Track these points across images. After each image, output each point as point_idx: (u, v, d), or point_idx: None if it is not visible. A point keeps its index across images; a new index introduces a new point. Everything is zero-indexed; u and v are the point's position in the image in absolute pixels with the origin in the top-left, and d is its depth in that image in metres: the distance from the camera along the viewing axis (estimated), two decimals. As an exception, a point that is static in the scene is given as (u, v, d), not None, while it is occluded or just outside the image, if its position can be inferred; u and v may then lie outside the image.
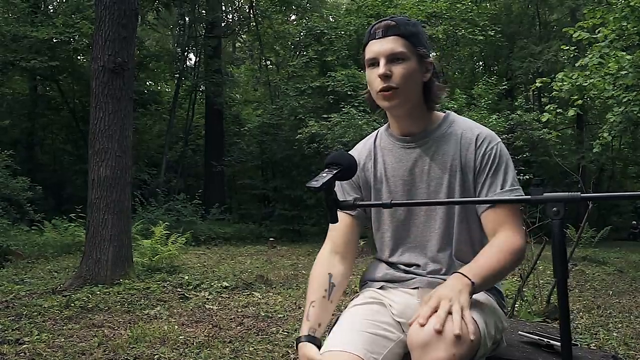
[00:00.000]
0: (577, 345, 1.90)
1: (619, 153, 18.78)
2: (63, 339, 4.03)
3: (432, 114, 1.77)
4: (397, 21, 1.65)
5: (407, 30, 1.64)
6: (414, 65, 1.64)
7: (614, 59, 7.33)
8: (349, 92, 13.10)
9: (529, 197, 1.21)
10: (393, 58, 1.62)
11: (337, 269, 1.76)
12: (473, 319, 1.42)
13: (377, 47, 1.64)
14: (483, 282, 1.50)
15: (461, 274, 1.47)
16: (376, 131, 1.89)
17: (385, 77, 1.61)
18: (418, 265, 1.73)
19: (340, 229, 1.80)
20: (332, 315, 1.69)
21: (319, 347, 1.56)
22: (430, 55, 1.71)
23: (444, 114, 1.80)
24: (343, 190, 1.82)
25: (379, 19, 1.70)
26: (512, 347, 1.80)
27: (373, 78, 1.66)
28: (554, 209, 1.15)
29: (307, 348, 1.56)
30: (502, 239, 1.60)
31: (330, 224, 1.76)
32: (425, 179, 1.72)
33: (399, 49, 1.62)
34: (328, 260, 1.78)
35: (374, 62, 1.65)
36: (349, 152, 1.78)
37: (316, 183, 1.33)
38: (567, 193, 1.15)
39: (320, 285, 1.72)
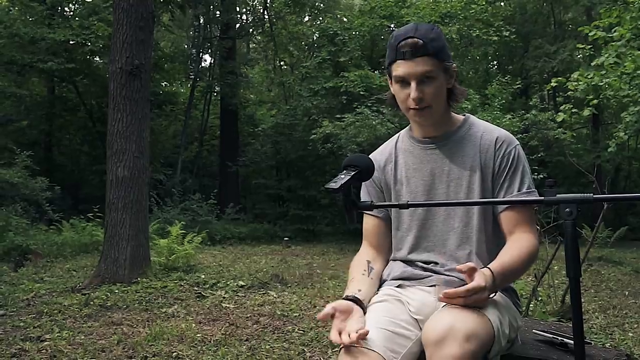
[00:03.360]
0: (591, 343, 1.92)
1: (635, 152, 18.57)
2: (83, 337, 4.10)
3: (452, 116, 1.84)
4: (423, 38, 1.65)
5: (434, 48, 1.66)
6: (442, 80, 1.70)
7: (630, 59, 7.27)
8: (361, 93, 13.09)
9: (543, 198, 1.24)
10: (423, 78, 1.67)
11: (374, 258, 1.88)
12: (487, 316, 1.48)
13: (407, 69, 1.67)
14: (503, 280, 1.58)
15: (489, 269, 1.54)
16: (398, 134, 1.96)
17: (419, 100, 1.67)
18: (436, 263, 1.77)
19: (371, 231, 1.91)
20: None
21: (356, 302, 1.66)
22: (452, 63, 1.76)
23: (463, 116, 1.85)
24: (368, 193, 1.88)
25: (404, 34, 1.68)
26: (527, 345, 1.84)
27: (403, 96, 1.71)
28: (567, 209, 1.18)
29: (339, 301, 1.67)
30: (522, 240, 1.67)
31: (363, 228, 1.92)
32: (445, 179, 1.78)
33: (429, 69, 1.66)
34: (366, 252, 1.90)
35: (404, 81, 1.69)
36: (371, 155, 1.85)
37: (335, 184, 1.37)
38: (579, 194, 1.19)
39: (359, 267, 1.84)
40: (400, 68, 1.68)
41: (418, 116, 1.72)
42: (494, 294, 1.55)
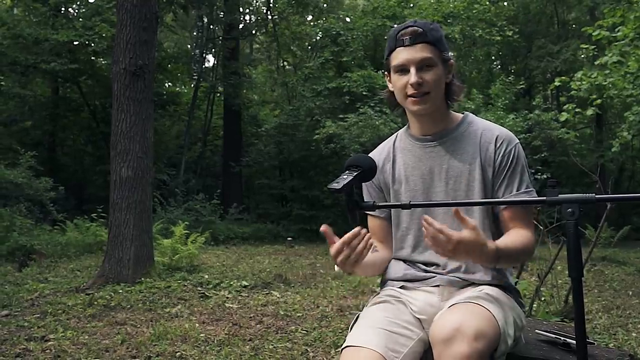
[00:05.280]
0: (594, 343, 1.92)
1: (639, 152, 18.52)
2: (87, 337, 4.11)
3: (451, 114, 1.83)
4: (423, 27, 1.69)
5: (433, 37, 1.69)
6: (440, 70, 1.71)
7: (633, 58, 7.26)
8: (364, 93, 13.11)
9: (545, 198, 1.24)
10: (423, 65, 1.68)
11: (380, 247, 1.89)
12: (493, 316, 1.48)
13: (407, 55, 1.68)
14: (504, 255, 1.56)
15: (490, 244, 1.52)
16: (396, 133, 1.95)
17: (418, 85, 1.67)
18: (437, 265, 1.77)
19: (377, 231, 1.91)
20: (354, 313, 1.74)
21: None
22: (451, 56, 1.76)
23: (462, 114, 1.85)
24: (369, 194, 1.89)
25: (404, 25, 1.74)
26: (530, 345, 1.84)
27: (402, 84, 1.71)
28: (569, 210, 1.18)
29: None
30: (518, 233, 1.68)
31: (369, 228, 1.90)
32: (444, 177, 1.77)
33: (429, 56, 1.67)
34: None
35: (403, 69, 1.70)
36: (369, 154, 1.85)
37: (337, 185, 1.37)
38: (581, 194, 1.19)
39: None
40: (399, 55, 1.70)
41: (417, 103, 1.71)
42: (469, 256, 1.49)
